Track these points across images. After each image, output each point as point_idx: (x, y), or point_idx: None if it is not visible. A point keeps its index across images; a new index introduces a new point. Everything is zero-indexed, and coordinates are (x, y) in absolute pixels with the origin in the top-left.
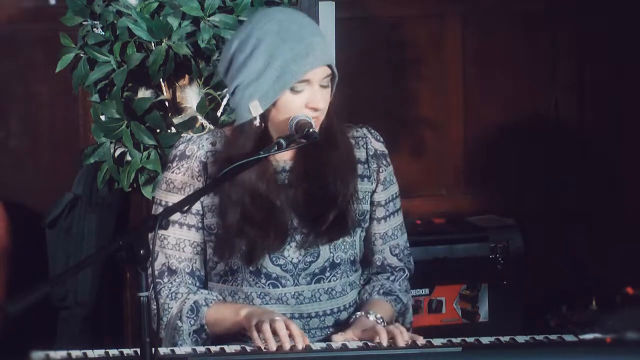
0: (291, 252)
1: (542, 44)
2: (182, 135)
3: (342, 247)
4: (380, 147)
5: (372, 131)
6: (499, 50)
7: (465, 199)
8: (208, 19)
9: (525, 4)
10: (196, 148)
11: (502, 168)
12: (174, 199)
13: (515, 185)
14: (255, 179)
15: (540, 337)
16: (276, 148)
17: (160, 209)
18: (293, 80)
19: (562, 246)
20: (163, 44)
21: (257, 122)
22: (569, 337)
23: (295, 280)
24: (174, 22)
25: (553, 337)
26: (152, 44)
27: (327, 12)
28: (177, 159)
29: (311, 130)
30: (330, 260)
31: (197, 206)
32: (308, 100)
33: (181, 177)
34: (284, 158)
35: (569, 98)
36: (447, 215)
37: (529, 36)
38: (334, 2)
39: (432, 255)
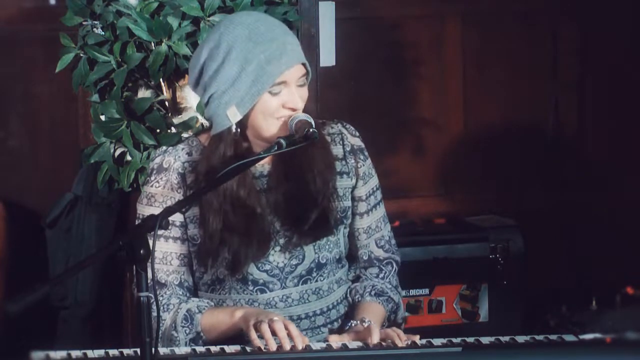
0: (276, 257)
1: (542, 44)
2: (177, 138)
3: (327, 246)
4: (356, 142)
5: (348, 126)
6: (499, 50)
7: (465, 199)
8: (208, 19)
9: (525, 4)
10: (173, 160)
11: (502, 168)
12: (155, 212)
13: (515, 185)
14: (236, 186)
15: (540, 337)
16: (276, 148)
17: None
18: (269, 82)
19: (562, 246)
20: (163, 44)
21: (233, 128)
22: (569, 337)
23: (283, 284)
24: (174, 22)
25: (553, 337)
26: (152, 44)
27: (327, 12)
28: (155, 172)
29: (311, 130)
30: (316, 260)
31: (180, 218)
32: (286, 101)
33: (161, 190)
34: (261, 162)
35: (569, 98)
36: (447, 215)
37: (529, 36)
38: (334, 2)
39: (432, 255)
